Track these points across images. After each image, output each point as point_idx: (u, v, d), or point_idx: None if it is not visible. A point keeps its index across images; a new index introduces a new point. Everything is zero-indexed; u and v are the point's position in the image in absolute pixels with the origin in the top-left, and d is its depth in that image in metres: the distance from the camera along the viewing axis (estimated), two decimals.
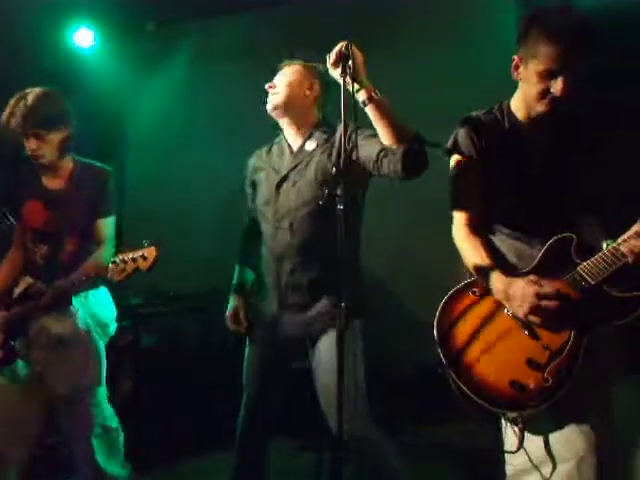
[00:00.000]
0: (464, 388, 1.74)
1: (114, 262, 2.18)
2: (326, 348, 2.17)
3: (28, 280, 2.46)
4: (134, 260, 2.14)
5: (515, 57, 1.85)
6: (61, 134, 2.45)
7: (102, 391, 2.50)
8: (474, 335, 1.82)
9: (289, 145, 2.37)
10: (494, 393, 1.72)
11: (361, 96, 1.91)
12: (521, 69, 1.84)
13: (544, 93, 1.78)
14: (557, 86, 1.74)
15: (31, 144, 2.41)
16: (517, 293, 1.74)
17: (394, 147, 1.96)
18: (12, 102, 2.40)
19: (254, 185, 2.43)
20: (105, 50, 4.59)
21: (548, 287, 1.72)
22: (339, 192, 1.74)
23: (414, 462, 2.21)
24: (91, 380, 2.44)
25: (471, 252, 1.89)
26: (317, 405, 2.20)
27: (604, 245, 1.75)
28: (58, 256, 2.46)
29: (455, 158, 1.98)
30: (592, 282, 1.73)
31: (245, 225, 2.55)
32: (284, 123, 2.37)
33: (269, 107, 2.33)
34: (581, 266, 1.75)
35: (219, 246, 3.10)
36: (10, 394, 2.42)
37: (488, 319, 1.83)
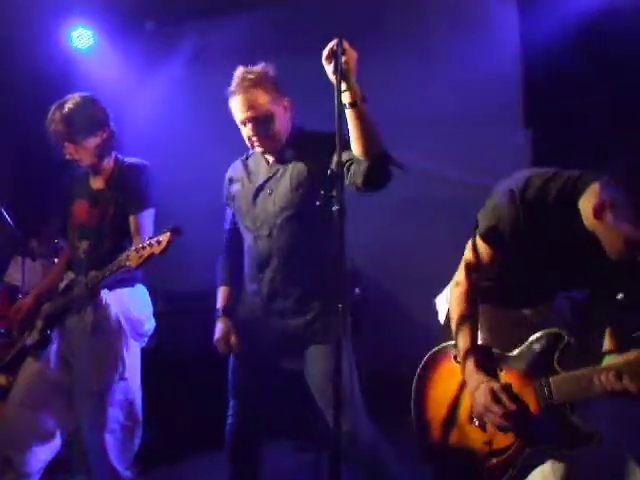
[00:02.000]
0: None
1: (132, 249, 2.23)
2: (314, 352, 2.15)
3: (70, 275, 2.61)
4: (150, 245, 2.17)
5: (604, 198, 1.49)
6: (97, 139, 2.55)
7: (126, 388, 2.50)
8: (443, 405, 1.82)
9: (265, 157, 2.31)
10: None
11: (346, 98, 1.83)
12: (606, 216, 1.50)
13: (624, 256, 1.53)
14: None
15: (69, 149, 2.54)
16: (475, 393, 1.68)
17: (361, 159, 1.93)
18: (53, 109, 2.53)
19: (232, 198, 2.41)
20: (104, 50, 4.58)
21: (503, 404, 1.60)
22: (334, 193, 1.66)
23: (413, 463, 2.21)
24: (113, 376, 2.46)
25: (458, 321, 1.78)
26: (313, 405, 2.18)
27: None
28: (98, 252, 2.52)
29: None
30: (555, 402, 1.60)
31: (224, 243, 2.52)
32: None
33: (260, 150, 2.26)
34: (554, 378, 1.62)
35: (220, 245, 3.09)
36: (41, 378, 2.50)
37: (457, 394, 1.79)
